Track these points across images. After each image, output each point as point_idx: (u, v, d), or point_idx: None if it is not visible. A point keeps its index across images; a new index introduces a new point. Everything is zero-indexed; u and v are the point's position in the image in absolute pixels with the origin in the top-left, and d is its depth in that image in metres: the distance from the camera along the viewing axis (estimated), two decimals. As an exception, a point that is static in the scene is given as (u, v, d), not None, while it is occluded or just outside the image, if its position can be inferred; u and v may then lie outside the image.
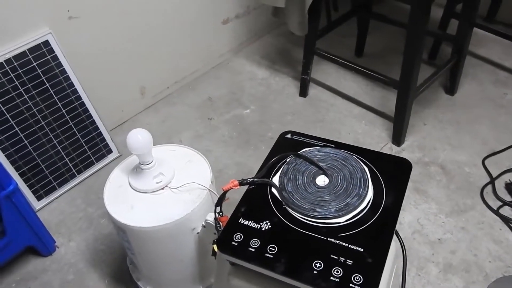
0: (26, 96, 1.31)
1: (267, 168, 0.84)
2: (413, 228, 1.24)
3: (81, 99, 1.44)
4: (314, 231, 0.71)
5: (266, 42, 2.07)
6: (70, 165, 1.46)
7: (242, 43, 2.02)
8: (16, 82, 1.29)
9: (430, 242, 1.20)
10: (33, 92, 1.33)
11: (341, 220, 0.73)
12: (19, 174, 1.34)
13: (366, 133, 1.55)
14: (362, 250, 0.68)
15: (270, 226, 0.73)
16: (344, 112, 1.65)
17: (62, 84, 1.38)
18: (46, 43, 1.33)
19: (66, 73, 1.38)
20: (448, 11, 1.76)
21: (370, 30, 1.87)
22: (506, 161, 1.42)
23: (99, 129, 1.50)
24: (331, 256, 0.67)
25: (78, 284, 1.19)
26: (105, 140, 1.53)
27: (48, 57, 1.34)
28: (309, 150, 0.86)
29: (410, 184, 1.28)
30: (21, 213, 1.15)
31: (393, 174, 0.80)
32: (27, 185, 1.37)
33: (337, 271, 0.65)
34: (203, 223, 0.91)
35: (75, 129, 1.44)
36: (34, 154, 1.37)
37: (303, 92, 1.73)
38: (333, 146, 0.87)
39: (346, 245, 0.69)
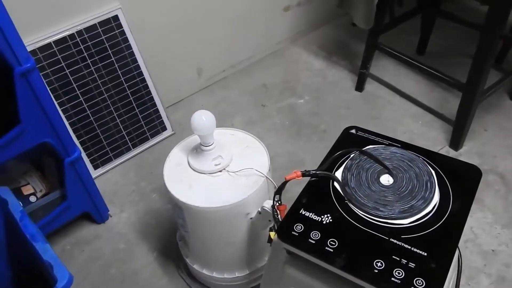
0: (92, 68, 1.36)
1: (330, 162, 0.83)
2: (466, 237, 1.20)
3: (143, 75, 1.48)
4: (377, 230, 0.71)
5: (324, 33, 2.04)
6: (127, 138, 1.51)
7: (300, 32, 2.00)
8: (85, 54, 1.34)
9: (483, 252, 1.16)
10: (99, 65, 1.37)
11: (405, 222, 0.71)
12: (79, 142, 1.40)
13: (422, 134, 1.51)
14: (425, 254, 0.67)
15: (331, 220, 0.73)
16: (401, 110, 1.61)
17: (126, 59, 1.42)
18: (116, 17, 1.36)
19: (131, 48, 1.42)
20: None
21: (434, 28, 1.80)
22: None
23: (156, 106, 1.54)
24: (393, 257, 0.67)
25: (128, 253, 1.24)
26: (161, 117, 1.57)
27: (116, 31, 1.38)
28: (374, 147, 0.84)
29: (466, 191, 1.24)
30: (82, 180, 1.20)
31: (461, 181, 0.78)
32: (86, 154, 1.43)
33: (399, 273, 0.65)
34: (259, 209, 0.92)
35: (134, 104, 1.49)
36: (95, 124, 1.42)
37: (360, 87, 1.70)
38: (399, 146, 0.85)
39: (409, 247, 0.68)
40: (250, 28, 1.80)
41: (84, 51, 1.33)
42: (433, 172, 0.79)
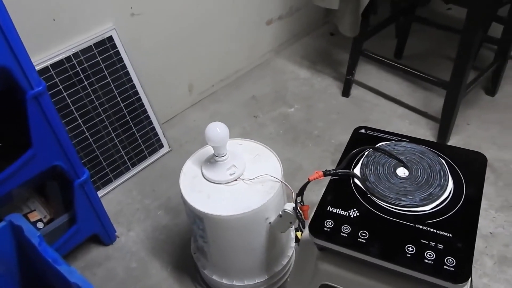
0: (89, 89, 1.37)
1: (347, 161, 0.88)
2: (465, 224, 1.27)
3: (138, 94, 1.49)
4: (402, 218, 0.75)
5: (306, 43, 2.12)
6: (126, 158, 1.51)
7: (283, 44, 2.07)
8: (82, 75, 1.34)
9: (483, 236, 1.24)
10: (96, 86, 1.38)
11: (427, 208, 0.77)
12: (80, 165, 1.40)
13: (411, 132, 1.59)
14: (450, 235, 0.72)
15: (358, 214, 0.77)
16: (388, 112, 1.69)
17: (122, 79, 1.44)
18: (110, 38, 1.38)
19: (126, 68, 1.44)
20: (491, 14, 1.79)
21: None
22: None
23: (152, 123, 1.56)
24: (422, 241, 0.71)
25: (141, 271, 1.24)
26: (158, 135, 1.58)
27: (111, 52, 1.39)
28: (385, 144, 0.90)
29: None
30: (90, 201, 1.20)
31: (469, 166, 0.84)
32: (87, 176, 1.43)
33: (430, 255, 0.69)
34: (280, 213, 0.95)
35: (131, 123, 1.50)
36: (94, 146, 1.42)
37: (346, 92, 1.77)
38: (408, 140, 0.91)
39: (435, 231, 0.73)
40: (236, 43, 1.85)
41: (81, 72, 1.34)
42: (443, 161, 0.85)
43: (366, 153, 0.89)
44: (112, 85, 1.42)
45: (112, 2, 1.37)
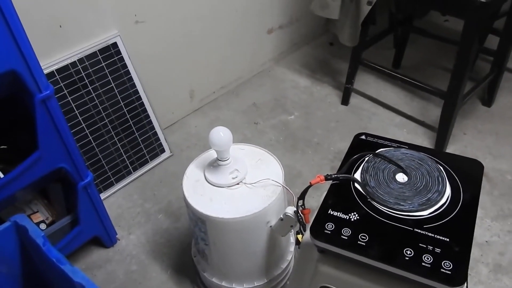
0: (93, 94, 1.39)
1: (348, 166, 0.90)
2: (461, 232, 1.29)
3: (141, 100, 1.51)
4: (401, 222, 0.78)
5: (306, 53, 2.15)
6: (127, 162, 1.53)
7: (283, 53, 2.10)
8: (86, 81, 1.37)
9: (478, 244, 1.26)
10: (100, 91, 1.41)
11: (425, 213, 0.79)
12: (82, 168, 1.41)
13: (409, 141, 1.59)
14: (447, 240, 0.74)
15: (358, 217, 0.79)
16: (386, 120, 1.72)
17: (125, 85, 1.46)
18: (115, 45, 1.41)
19: (130, 74, 1.46)
20: (487, 27, 1.83)
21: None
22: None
23: (154, 129, 1.58)
24: (420, 244, 0.74)
25: (141, 274, 1.25)
26: (159, 140, 1.60)
27: (115, 58, 1.42)
28: (385, 150, 0.92)
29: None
30: (93, 204, 1.22)
31: (466, 173, 0.87)
32: (89, 180, 1.44)
33: (427, 258, 0.72)
34: (281, 216, 0.97)
35: (134, 128, 1.52)
36: (97, 150, 1.44)
37: (345, 101, 1.80)
38: (407, 147, 0.94)
39: (432, 235, 0.75)
40: (238, 51, 1.88)
41: (85, 78, 1.36)
42: (441, 168, 0.88)
43: (366, 158, 0.91)
44: (116, 91, 1.44)
45: (117, 10, 1.39)
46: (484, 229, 1.30)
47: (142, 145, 1.55)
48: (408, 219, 0.78)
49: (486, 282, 1.17)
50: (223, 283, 1.12)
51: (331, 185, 0.87)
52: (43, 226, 1.23)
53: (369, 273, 0.77)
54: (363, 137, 0.98)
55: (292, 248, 1.18)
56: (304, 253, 0.87)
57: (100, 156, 1.45)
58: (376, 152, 0.91)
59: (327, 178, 0.86)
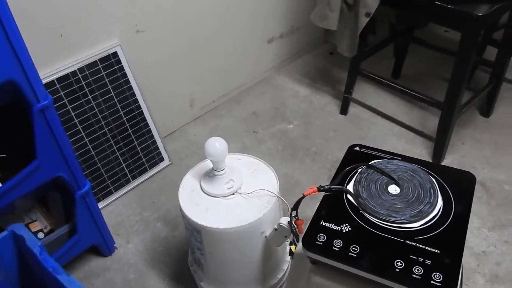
0: (93, 103, 1.41)
1: (341, 177, 0.91)
2: (458, 242, 1.29)
3: (141, 108, 1.53)
4: (392, 234, 0.78)
5: (306, 62, 2.17)
6: (126, 170, 1.54)
7: (283, 61, 2.11)
8: (86, 90, 1.38)
9: (475, 254, 1.26)
10: (100, 100, 1.42)
11: (416, 225, 0.79)
12: (82, 177, 1.43)
13: (407, 151, 1.62)
14: (438, 252, 0.74)
15: (350, 229, 0.80)
16: (385, 130, 1.73)
17: (125, 93, 1.48)
18: (115, 54, 1.43)
19: (130, 83, 1.48)
20: (486, 38, 1.84)
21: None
22: (544, 182, 1.48)
23: (154, 137, 1.59)
24: (410, 256, 0.74)
25: (139, 282, 1.26)
26: (159, 148, 1.62)
27: (116, 67, 1.43)
28: (378, 161, 0.93)
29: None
30: (91, 213, 1.23)
31: (458, 185, 0.87)
32: (88, 188, 1.45)
33: (418, 270, 0.72)
34: (275, 226, 0.98)
35: (133, 137, 1.53)
36: (96, 158, 1.45)
37: (344, 110, 1.81)
38: (400, 159, 0.94)
39: (423, 247, 0.76)
40: (238, 60, 1.89)
41: (85, 87, 1.38)
42: (433, 180, 0.88)
43: (359, 170, 0.92)
44: (115, 99, 1.46)
45: (118, 20, 1.41)
46: (481, 239, 1.30)
47: (141, 154, 1.57)
48: (399, 230, 0.79)
49: (482, 293, 1.16)
50: (219, 293, 1.12)
51: (324, 196, 0.88)
52: (41, 235, 1.24)
53: (360, 284, 0.77)
54: (357, 148, 0.98)
55: (288, 258, 1.19)
56: (297, 263, 0.88)
57: (99, 164, 1.46)
58: (369, 163, 0.92)
59: (320, 189, 0.87)
